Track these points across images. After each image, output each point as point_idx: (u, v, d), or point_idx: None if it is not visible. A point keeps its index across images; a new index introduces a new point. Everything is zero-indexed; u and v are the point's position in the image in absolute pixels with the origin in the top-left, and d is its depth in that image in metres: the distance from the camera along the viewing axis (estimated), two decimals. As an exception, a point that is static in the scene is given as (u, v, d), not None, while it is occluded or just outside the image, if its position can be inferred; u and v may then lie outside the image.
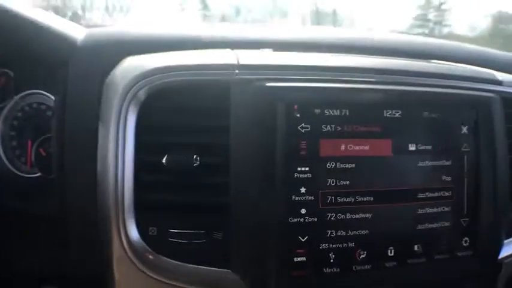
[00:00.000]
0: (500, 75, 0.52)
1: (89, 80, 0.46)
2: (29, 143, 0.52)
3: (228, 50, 0.46)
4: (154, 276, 0.41)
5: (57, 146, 0.46)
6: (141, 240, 0.41)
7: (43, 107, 0.53)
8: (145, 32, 0.52)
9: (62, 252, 0.47)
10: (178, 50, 0.47)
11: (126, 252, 0.41)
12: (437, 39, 0.67)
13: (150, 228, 0.42)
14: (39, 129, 0.52)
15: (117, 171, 0.41)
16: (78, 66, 0.47)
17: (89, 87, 0.45)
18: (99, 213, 0.42)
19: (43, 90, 0.52)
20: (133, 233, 0.41)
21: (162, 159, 0.41)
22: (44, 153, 0.51)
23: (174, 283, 0.42)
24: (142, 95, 0.42)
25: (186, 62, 0.44)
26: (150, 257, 0.41)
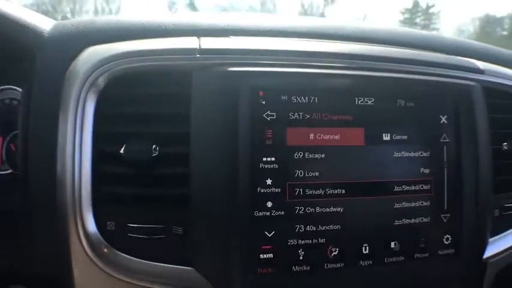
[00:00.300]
0: (481, 64, 0.50)
1: (55, 71, 0.45)
2: (0, 139, 0.50)
3: (193, 37, 0.44)
4: (111, 273, 0.39)
5: (22, 139, 0.45)
6: (98, 235, 0.39)
7: (15, 102, 0.51)
8: (112, 22, 0.51)
9: (29, 250, 0.45)
10: (145, 38, 0.46)
11: (83, 246, 0.39)
12: (416, 30, 0.65)
13: (108, 222, 0.40)
14: (11, 125, 0.50)
15: (75, 162, 0.39)
16: (45, 58, 0.46)
17: (54, 79, 0.44)
18: (58, 207, 0.40)
19: (15, 86, 0.51)
20: (91, 226, 0.39)
21: (121, 149, 0.39)
22: (14, 149, 0.49)
23: (131, 281, 0.40)
24: (101, 82, 0.40)
25: (147, 48, 0.42)
26: (105, 250, 0.39)
